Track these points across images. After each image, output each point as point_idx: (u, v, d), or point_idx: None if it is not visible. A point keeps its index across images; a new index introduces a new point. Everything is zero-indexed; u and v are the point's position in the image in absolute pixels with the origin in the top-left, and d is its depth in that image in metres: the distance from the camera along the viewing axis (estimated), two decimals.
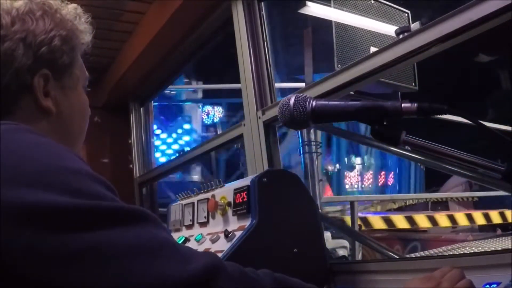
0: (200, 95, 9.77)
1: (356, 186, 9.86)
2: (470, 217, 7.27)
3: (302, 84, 2.23)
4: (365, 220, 6.04)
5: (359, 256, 5.82)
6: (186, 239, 1.69)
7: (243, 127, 2.17)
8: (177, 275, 0.66)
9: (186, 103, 9.62)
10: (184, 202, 1.88)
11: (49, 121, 0.91)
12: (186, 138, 8.76)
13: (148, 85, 3.41)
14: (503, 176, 0.87)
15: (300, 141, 3.79)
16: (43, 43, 0.89)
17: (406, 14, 2.31)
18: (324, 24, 2.08)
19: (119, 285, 0.63)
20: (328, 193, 7.81)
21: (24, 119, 0.84)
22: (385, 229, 6.44)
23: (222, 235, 1.50)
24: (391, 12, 2.25)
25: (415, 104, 0.91)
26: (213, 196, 1.66)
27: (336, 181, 9.52)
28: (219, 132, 8.73)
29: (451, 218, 7.12)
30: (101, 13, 2.62)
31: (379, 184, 10.23)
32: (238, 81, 2.18)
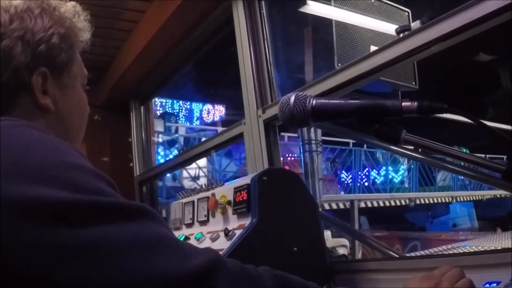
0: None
1: None
2: None
3: None
4: None
5: (359, 255, 5.83)
6: (186, 238, 1.69)
7: (243, 125, 2.17)
8: (177, 270, 0.66)
9: None
10: (184, 200, 1.88)
11: (48, 119, 0.91)
12: None
13: (148, 84, 3.41)
14: (503, 175, 0.86)
15: (300, 140, 3.79)
16: (41, 41, 0.88)
17: (407, 13, 2.31)
18: (324, 23, 2.08)
19: (120, 280, 0.63)
20: None
21: (23, 117, 0.84)
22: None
23: (222, 234, 1.50)
24: (391, 10, 2.25)
25: (415, 103, 0.91)
26: (213, 194, 1.66)
27: None
28: None
29: None
30: (101, 11, 2.62)
31: None
32: None
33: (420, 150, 2.16)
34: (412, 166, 11.18)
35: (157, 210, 3.46)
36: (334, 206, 8.60)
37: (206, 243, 1.56)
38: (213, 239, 1.53)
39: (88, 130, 1.04)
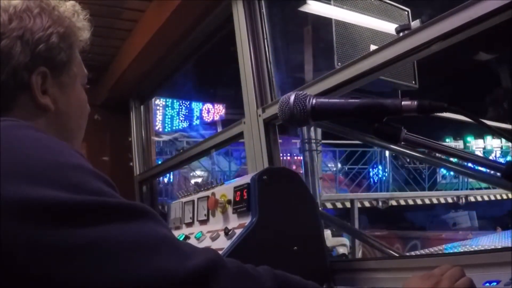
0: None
1: None
2: None
3: None
4: None
5: (359, 254, 5.84)
6: (186, 237, 1.69)
7: (243, 124, 2.17)
8: (176, 270, 0.66)
9: None
10: (184, 200, 1.88)
11: (47, 119, 0.91)
12: None
13: (148, 83, 3.41)
14: (503, 174, 0.86)
15: (300, 139, 3.79)
16: (40, 40, 0.88)
17: (406, 12, 2.31)
18: (324, 22, 2.08)
19: (119, 280, 0.63)
20: None
21: (22, 117, 0.84)
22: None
23: (222, 233, 1.50)
24: (391, 10, 2.26)
25: (415, 102, 0.91)
26: (213, 194, 1.66)
27: None
28: None
29: None
30: (101, 11, 2.62)
31: None
32: None
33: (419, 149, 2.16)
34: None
35: (157, 210, 3.46)
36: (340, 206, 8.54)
37: (206, 242, 1.56)
38: (213, 238, 1.53)
39: (88, 129, 1.04)
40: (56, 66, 0.92)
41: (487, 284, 1.11)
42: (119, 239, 0.65)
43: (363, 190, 9.78)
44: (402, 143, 0.95)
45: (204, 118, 12.28)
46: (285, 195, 1.53)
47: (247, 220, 1.46)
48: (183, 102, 11.93)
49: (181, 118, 11.83)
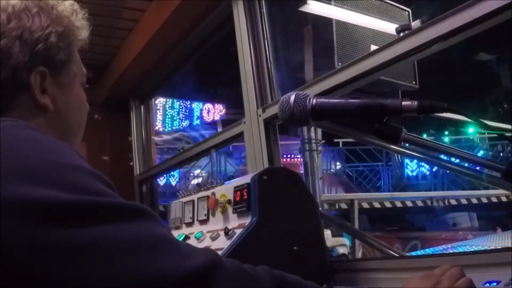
0: None
1: None
2: None
3: None
4: None
5: (359, 254, 5.83)
6: (186, 237, 1.69)
7: (243, 124, 2.16)
8: (175, 270, 0.66)
9: None
10: (184, 199, 1.88)
11: (47, 118, 0.91)
12: None
13: (148, 83, 3.41)
14: (503, 175, 0.86)
15: (301, 139, 3.79)
16: (39, 40, 0.88)
17: (407, 12, 2.31)
18: (324, 22, 2.08)
19: (118, 280, 0.63)
20: None
21: (21, 116, 0.84)
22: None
23: (222, 233, 1.50)
24: (391, 10, 2.25)
25: (416, 102, 0.91)
26: (213, 193, 1.66)
27: None
28: None
29: None
30: (101, 10, 2.62)
31: None
32: None
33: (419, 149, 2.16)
34: None
35: (157, 210, 3.46)
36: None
37: (206, 242, 1.56)
38: (213, 238, 1.53)
39: (88, 129, 1.04)
40: (55, 66, 0.92)
41: (487, 284, 1.11)
42: (118, 239, 0.65)
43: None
44: (402, 143, 0.95)
45: (204, 118, 12.28)
46: (285, 195, 1.53)
47: (247, 220, 1.46)
48: (183, 101, 11.94)
49: (181, 118, 11.84)
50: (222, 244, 1.44)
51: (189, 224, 1.82)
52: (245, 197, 1.49)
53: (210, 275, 0.69)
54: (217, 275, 0.70)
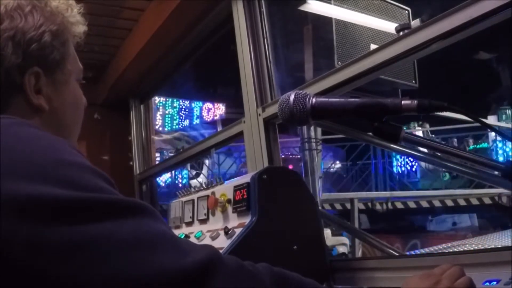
0: None
1: None
2: None
3: None
4: None
5: (359, 253, 5.83)
6: (186, 236, 1.69)
7: (243, 124, 2.16)
8: (174, 267, 0.66)
9: None
10: (184, 199, 1.88)
11: (42, 118, 0.90)
12: None
13: (148, 82, 3.41)
14: (503, 174, 0.86)
15: (300, 138, 3.79)
16: (32, 40, 0.87)
17: (407, 11, 2.31)
18: (324, 21, 2.08)
19: (117, 277, 0.63)
20: None
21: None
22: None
23: (222, 232, 1.50)
24: (391, 9, 2.25)
25: (415, 101, 0.91)
26: (213, 193, 1.66)
27: None
28: None
29: None
30: (101, 10, 2.62)
31: None
32: None
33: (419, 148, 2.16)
34: None
35: (157, 209, 3.45)
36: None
37: (206, 242, 1.55)
38: (213, 238, 1.53)
39: (88, 128, 1.03)
40: (50, 65, 0.91)
41: (487, 283, 1.11)
42: (117, 236, 0.65)
43: None
44: (402, 142, 0.95)
45: (204, 117, 12.28)
46: (285, 194, 1.53)
47: (247, 220, 1.46)
48: (183, 101, 11.93)
49: (181, 117, 11.84)
50: (222, 243, 1.44)
51: (189, 224, 1.81)
52: (245, 196, 1.49)
53: (210, 272, 0.69)
54: (216, 272, 0.70)
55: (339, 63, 1.92)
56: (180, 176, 9.95)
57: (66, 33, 0.94)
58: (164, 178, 9.58)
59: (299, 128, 3.84)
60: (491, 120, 9.13)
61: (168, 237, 0.70)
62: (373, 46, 2.00)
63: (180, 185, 9.72)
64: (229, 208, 1.57)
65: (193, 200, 1.80)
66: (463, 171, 2.07)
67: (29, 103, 0.88)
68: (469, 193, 8.58)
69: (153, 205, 3.46)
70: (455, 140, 9.66)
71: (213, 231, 1.57)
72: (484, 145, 9.62)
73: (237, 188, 1.54)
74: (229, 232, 1.45)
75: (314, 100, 1.00)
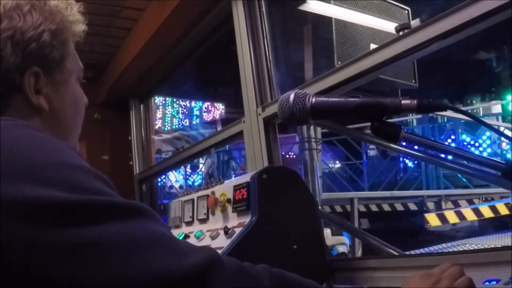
0: None
1: None
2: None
3: None
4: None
5: (358, 253, 5.83)
6: (186, 236, 1.69)
7: (243, 123, 2.17)
8: (174, 269, 0.66)
9: None
10: (184, 198, 1.88)
11: (42, 118, 0.90)
12: None
13: (148, 82, 3.41)
14: (502, 173, 0.86)
15: (300, 138, 3.79)
16: (31, 40, 0.86)
17: (406, 11, 2.31)
18: (324, 21, 2.08)
19: (117, 279, 0.63)
20: None
21: (17, 118, 0.82)
22: None
23: (222, 232, 1.50)
24: (391, 9, 2.25)
25: (415, 101, 0.91)
26: (213, 192, 1.66)
27: None
28: None
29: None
30: (100, 10, 2.62)
31: None
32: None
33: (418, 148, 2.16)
34: None
35: (156, 209, 3.45)
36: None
37: (205, 241, 1.56)
38: (213, 237, 1.53)
39: (87, 128, 1.03)
40: (49, 65, 0.90)
41: (487, 283, 1.11)
42: (117, 238, 0.65)
43: None
44: (401, 142, 0.95)
45: (204, 117, 12.29)
46: (285, 194, 1.53)
47: (246, 219, 1.46)
48: (183, 101, 11.94)
49: (181, 117, 11.84)
50: (221, 243, 1.44)
51: (189, 223, 1.81)
52: (245, 196, 1.49)
53: (209, 274, 0.69)
54: (216, 274, 0.70)
55: (339, 62, 1.93)
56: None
57: (66, 32, 0.94)
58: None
59: (298, 128, 3.85)
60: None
61: (167, 239, 0.70)
62: (373, 46, 2.01)
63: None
64: (229, 208, 1.57)
65: (193, 200, 1.80)
66: (463, 171, 2.07)
67: (29, 103, 0.88)
68: (469, 193, 8.58)
69: (153, 205, 3.47)
70: None
71: (213, 230, 1.57)
72: None
73: (237, 188, 1.54)
74: (229, 231, 1.45)
75: (314, 99, 1.00)
